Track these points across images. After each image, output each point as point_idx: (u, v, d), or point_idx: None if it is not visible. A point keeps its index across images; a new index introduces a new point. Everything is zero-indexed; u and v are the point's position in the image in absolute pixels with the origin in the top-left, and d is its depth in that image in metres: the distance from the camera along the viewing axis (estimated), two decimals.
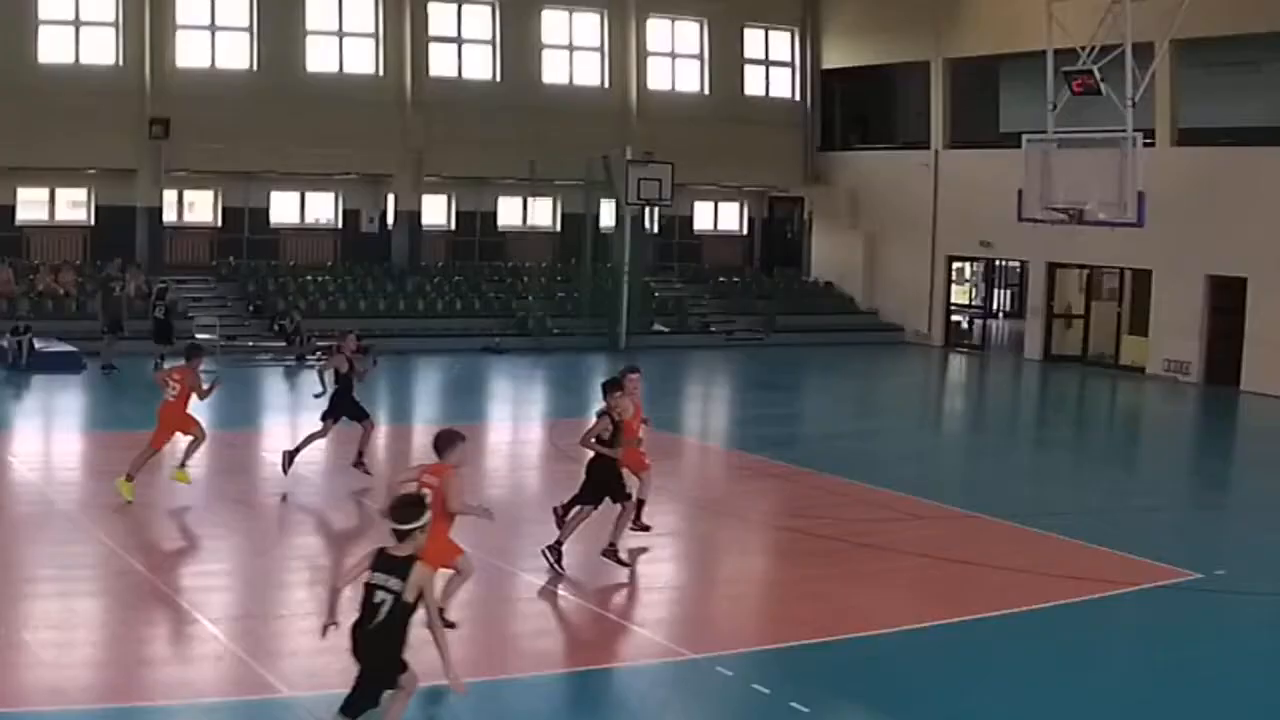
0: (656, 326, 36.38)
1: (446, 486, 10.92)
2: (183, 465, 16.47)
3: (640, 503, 14.63)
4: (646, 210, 35.63)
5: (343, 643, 8.43)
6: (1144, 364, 32.74)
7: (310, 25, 34.73)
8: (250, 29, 34.06)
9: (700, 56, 39.79)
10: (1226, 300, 30.91)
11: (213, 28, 33.79)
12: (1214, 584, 13.98)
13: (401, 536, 8.47)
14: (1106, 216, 27.57)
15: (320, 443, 17.51)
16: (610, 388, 14.21)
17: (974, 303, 40.24)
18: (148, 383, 27.04)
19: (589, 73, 38.41)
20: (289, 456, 17.48)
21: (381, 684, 8.47)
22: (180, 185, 34.60)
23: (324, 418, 17.90)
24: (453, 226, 38.27)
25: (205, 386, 16.59)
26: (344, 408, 17.83)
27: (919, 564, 14.53)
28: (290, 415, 25.31)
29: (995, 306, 40.54)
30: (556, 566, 13.53)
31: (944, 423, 27.80)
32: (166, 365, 20.43)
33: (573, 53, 38.19)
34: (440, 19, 36.48)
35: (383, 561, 8.42)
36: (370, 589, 8.37)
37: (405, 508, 8.65)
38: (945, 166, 37.54)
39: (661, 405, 26.94)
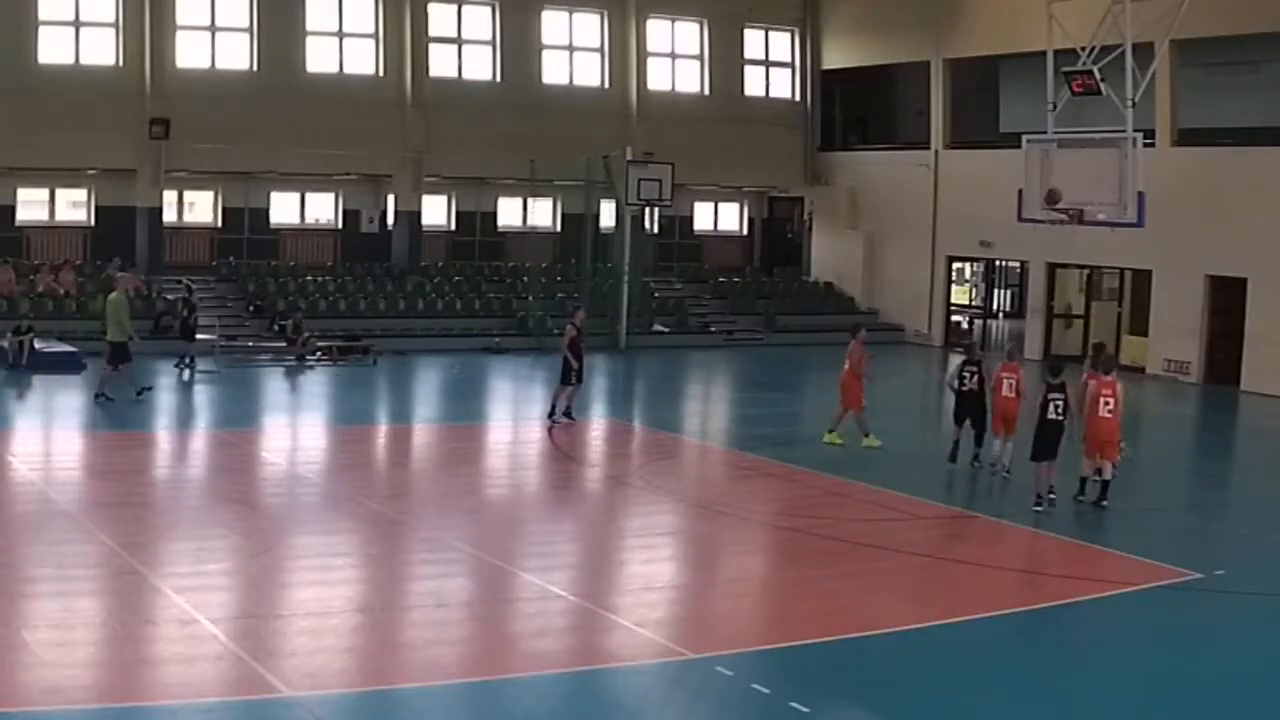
0: (656, 326, 36.36)
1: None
2: None
3: None
4: (646, 210, 35.59)
5: (342, 643, 8.42)
6: (1144, 364, 32.72)
7: (310, 25, 34.70)
8: (250, 29, 34.04)
9: (700, 57, 39.78)
10: (1226, 300, 30.89)
11: (213, 28, 33.77)
12: (1214, 584, 13.97)
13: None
14: (1106, 217, 27.53)
15: (320, 443, 17.61)
16: None
17: (974, 303, 40.21)
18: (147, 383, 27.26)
19: (589, 73, 38.40)
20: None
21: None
22: (180, 185, 34.59)
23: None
24: (453, 226, 38.27)
25: None
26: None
27: (919, 564, 14.52)
28: (290, 415, 25.35)
29: (995, 306, 40.50)
30: None
31: (944, 423, 27.72)
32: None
33: (573, 53, 38.18)
34: (440, 19, 36.47)
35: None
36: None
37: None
38: (945, 166, 37.52)
39: (662, 405, 27.00)
